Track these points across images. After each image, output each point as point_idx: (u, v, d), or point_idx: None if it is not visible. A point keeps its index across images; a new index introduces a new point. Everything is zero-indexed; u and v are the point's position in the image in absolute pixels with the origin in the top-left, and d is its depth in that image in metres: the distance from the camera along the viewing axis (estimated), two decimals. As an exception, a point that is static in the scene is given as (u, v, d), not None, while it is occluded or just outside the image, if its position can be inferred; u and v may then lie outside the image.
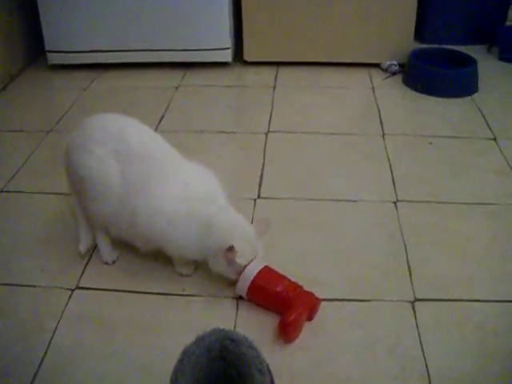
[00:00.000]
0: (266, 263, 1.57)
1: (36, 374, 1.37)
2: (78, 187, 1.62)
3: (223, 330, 1.16)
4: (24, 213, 1.94)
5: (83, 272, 1.68)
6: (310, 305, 1.49)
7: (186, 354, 1.11)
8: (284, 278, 1.55)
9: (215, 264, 1.54)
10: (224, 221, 1.54)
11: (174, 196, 1.54)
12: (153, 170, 1.55)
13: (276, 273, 1.56)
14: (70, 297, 1.60)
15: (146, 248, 1.63)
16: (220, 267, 1.54)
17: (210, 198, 1.57)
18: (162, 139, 1.64)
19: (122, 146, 1.55)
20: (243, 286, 1.53)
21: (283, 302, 1.49)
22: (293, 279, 1.54)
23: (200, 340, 1.13)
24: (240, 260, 1.50)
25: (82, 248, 1.70)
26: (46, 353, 1.43)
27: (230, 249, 1.47)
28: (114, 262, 1.71)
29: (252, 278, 1.52)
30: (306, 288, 1.53)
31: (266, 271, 1.55)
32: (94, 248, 1.74)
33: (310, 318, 1.51)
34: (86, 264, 1.71)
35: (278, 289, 1.51)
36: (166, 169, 1.57)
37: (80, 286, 1.63)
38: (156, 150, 1.60)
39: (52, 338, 1.47)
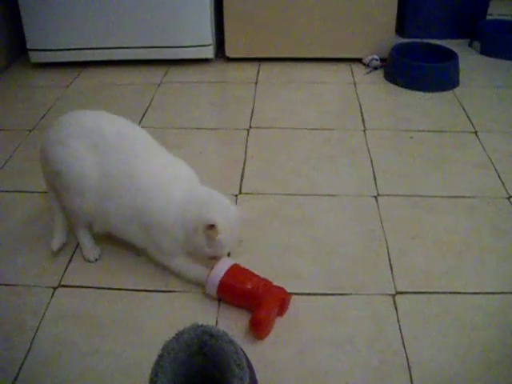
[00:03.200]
0: (234, 261, 1.57)
1: (19, 372, 1.37)
2: (56, 183, 1.62)
3: (202, 325, 1.17)
4: (6, 211, 1.93)
5: (65, 270, 1.68)
6: (280, 300, 1.49)
7: (165, 349, 1.12)
8: (253, 274, 1.55)
9: (194, 240, 1.53)
10: (202, 194, 1.55)
11: (155, 186, 1.55)
12: (132, 161, 1.56)
13: (245, 270, 1.56)
14: (52, 295, 1.60)
15: (133, 242, 1.64)
16: (198, 242, 1.52)
17: (187, 182, 1.59)
18: (141, 129, 1.65)
19: (98, 138, 1.55)
20: (212, 285, 1.53)
21: (253, 299, 1.48)
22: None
23: (179, 336, 1.14)
24: (221, 236, 1.49)
25: (55, 245, 1.69)
26: (28, 351, 1.43)
27: (211, 227, 1.47)
28: (96, 259, 1.71)
29: (220, 277, 1.52)
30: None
31: (235, 269, 1.55)
32: (76, 246, 1.74)
33: (280, 314, 1.51)
34: (69, 262, 1.71)
35: (247, 286, 1.51)
36: (146, 159, 1.58)
37: (62, 284, 1.63)
38: (134, 141, 1.60)
39: (34, 336, 1.47)
